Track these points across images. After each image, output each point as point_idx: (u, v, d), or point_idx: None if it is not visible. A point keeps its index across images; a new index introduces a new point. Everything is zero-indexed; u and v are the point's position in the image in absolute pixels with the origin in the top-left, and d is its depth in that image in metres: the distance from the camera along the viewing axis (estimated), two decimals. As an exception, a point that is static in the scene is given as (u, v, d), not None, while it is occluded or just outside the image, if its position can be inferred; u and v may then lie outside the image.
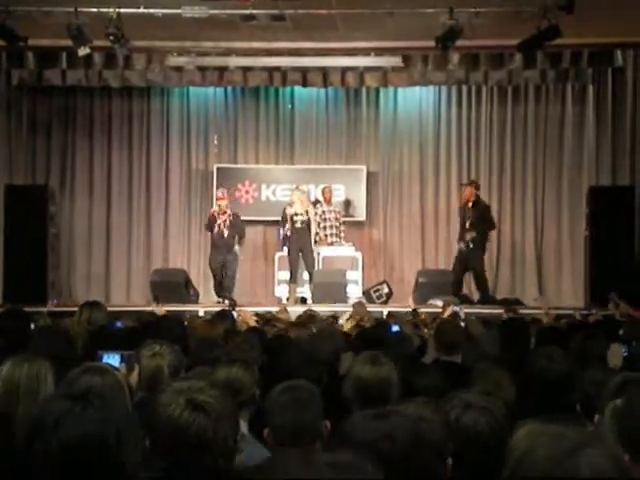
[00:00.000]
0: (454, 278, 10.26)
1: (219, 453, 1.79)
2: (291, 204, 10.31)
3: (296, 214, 10.20)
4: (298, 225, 10.20)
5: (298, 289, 10.40)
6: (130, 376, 2.96)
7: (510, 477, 1.27)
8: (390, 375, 2.77)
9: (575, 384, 2.90)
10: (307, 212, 10.28)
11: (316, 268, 10.37)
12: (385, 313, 8.10)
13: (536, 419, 1.36)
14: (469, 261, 10.29)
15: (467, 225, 10.24)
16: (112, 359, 3.01)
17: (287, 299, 10.25)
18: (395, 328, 5.14)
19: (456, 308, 7.49)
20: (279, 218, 11.03)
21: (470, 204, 10.32)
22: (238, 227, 10.27)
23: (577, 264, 11.14)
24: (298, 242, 10.20)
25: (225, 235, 10.16)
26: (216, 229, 10.20)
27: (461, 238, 10.35)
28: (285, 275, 10.53)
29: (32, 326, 5.16)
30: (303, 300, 10.21)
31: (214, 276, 10.41)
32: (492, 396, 2.14)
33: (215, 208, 10.39)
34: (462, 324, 5.41)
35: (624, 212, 10.36)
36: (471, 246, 10.18)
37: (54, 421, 1.49)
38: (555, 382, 2.90)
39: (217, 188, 10.97)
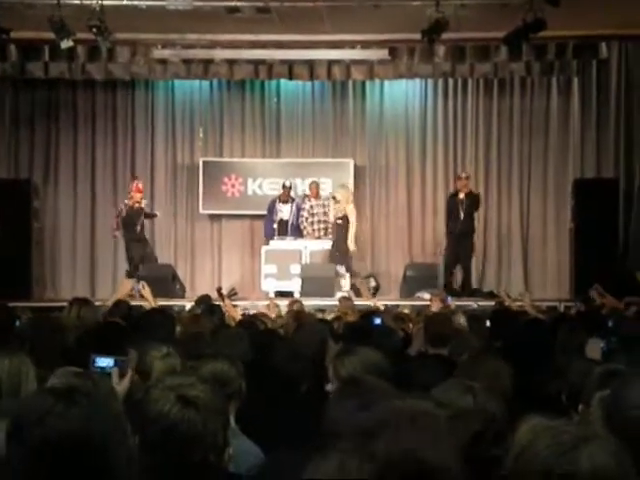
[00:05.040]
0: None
1: (209, 448, 1.78)
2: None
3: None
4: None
5: (285, 282, 10.37)
6: (122, 382, 2.92)
7: (511, 470, 1.26)
8: None
9: (559, 375, 2.91)
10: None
11: (304, 262, 10.36)
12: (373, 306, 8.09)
13: (532, 412, 1.35)
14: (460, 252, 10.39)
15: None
16: (106, 362, 2.97)
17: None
18: (377, 321, 5.09)
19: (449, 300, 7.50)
20: (265, 212, 11.00)
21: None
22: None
23: (562, 256, 11.19)
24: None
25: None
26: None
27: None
28: (272, 269, 10.49)
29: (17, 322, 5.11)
30: (290, 293, 10.18)
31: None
32: (485, 387, 2.13)
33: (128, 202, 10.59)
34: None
35: (609, 204, 10.41)
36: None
37: (37, 417, 1.46)
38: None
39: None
